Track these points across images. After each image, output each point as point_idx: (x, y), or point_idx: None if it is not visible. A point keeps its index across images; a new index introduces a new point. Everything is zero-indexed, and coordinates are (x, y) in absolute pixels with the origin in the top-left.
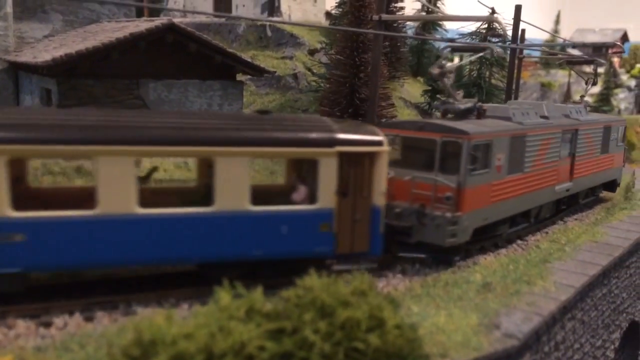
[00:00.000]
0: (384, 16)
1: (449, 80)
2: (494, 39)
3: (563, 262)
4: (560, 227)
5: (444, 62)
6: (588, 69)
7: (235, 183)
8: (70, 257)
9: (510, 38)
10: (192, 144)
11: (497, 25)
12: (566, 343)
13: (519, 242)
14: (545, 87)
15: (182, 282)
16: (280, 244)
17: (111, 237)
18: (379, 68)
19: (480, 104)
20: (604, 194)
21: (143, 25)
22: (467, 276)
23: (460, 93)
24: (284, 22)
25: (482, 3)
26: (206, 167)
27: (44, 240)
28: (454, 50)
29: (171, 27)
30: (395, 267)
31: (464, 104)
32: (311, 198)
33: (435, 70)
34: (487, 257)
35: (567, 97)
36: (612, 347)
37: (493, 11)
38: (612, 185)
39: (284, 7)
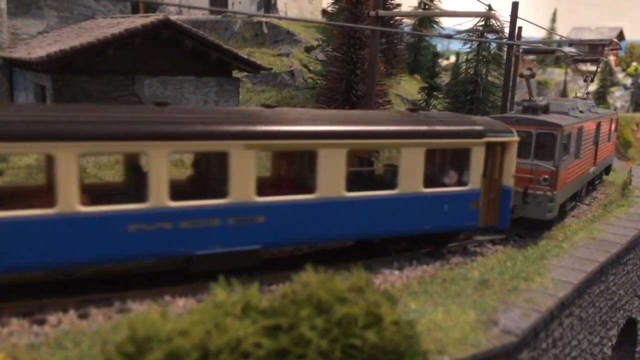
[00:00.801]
0: (381, 12)
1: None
2: (490, 35)
3: (561, 259)
4: (558, 224)
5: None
6: (584, 67)
7: (414, 170)
8: (297, 235)
9: (506, 34)
10: (381, 138)
11: (494, 21)
12: (564, 340)
13: (516, 238)
14: (541, 86)
15: (176, 279)
16: (443, 220)
17: (326, 216)
18: (376, 64)
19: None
20: (602, 193)
21: (138, 21)
22: (464, 273)
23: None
24: (280, 18)
25: (479, 0)
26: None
27: (277, 221)
28: (527, 52)
29: (166, 23)
30: (392, 264)
31: (540, 102)
32: (463, 181)
33: (526, 72)
34: (485, 253)
35: (563, 95)
36: (610, 344)
37: (490, 8)
38: (608, 169)
39: (280, 4)
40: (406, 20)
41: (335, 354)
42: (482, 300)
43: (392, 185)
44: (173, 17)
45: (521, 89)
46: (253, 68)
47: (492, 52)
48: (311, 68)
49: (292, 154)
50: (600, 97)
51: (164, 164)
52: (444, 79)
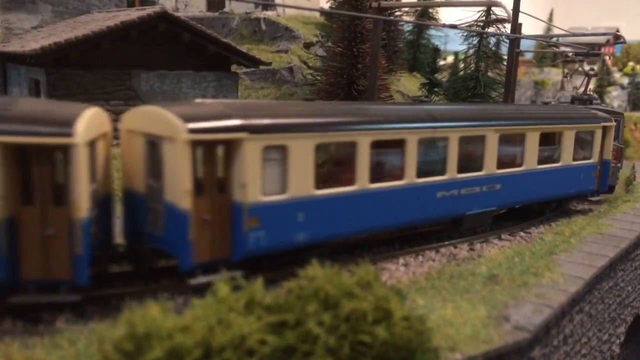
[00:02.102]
0: (383, 3)
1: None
2: (492, 29)
3: (569, 254)
4: (564, 219)
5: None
6: (577, 66)
7: (569, 148)
8: (513, 197)
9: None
10: (554, 124)
11: (500, 11)
12: (574, 337)
13: (522, 234)
14: (538, 85)
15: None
16: (580, 185)
17: (527, 184)
18: (378, 57)
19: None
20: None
21: (135, 14)
22: (472, 268)
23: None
24: (283, 6)
25: None
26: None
27: (506, 188)
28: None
29: (164, 16)
30: (398, 260)
31: (587, 95)
32: (589, 155)
33: (590, 72)
34: (492, 249)
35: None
36: (618, 341)
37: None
38: None
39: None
40: (405, 17)
41: (344, 350)
42: (491, 296)
43: (557, 159)
44: None
45: (518, 89)
46: (252, 62)
47: (492, 47)
48: (310, 64)
49: (511, 137)
50: (598, 97)
51: (455, 146)
52: (445, 75)
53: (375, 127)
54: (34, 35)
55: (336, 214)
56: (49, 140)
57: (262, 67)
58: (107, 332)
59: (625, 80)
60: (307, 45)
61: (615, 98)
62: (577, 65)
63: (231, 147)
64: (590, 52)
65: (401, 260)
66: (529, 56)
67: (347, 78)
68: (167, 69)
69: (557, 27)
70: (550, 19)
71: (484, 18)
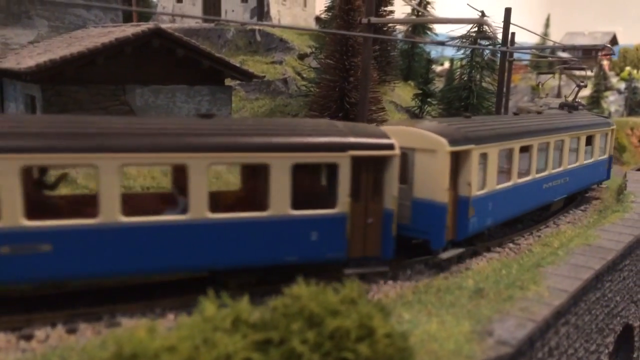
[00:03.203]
0: (373, 19)
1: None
2: (483, 42)
3: (556, 267)
4: (553, 231)
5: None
6: (577, 72)
7: (597, 147)
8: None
9: (500, 40)
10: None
11: (486, 27)
12: (560, 349)
13: (511, 245)
14: (535, 91)
15: (167, 292)
16: (600, 175)
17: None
18: (370, 71)
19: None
20: (597, 198)
21: (129, 30)
22: (459, 282)
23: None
24: (273, 26)
25: (471, 6)
26: None
27: (572, 180)
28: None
29: (158, 32)
30: (387, 274)
31: (575, 102)
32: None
33: (581, 84)
34: (480, 262)
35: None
36: (606, 351)
37: (483, 14)
38: None
39: (273, 12)
40: (400, 27)
41: None
42: (477, 310)
43: (590, 156)
44: (166, 26)
45: (515, 94)
46: (245, 76)
47: (485, 58)
48: (304, 75)
49: (575, 141)
50: (595, 102)
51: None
52: (438, 85)
53: None
54: (30, 50)
55: (507, 201)
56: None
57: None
58: (97, 352)
59: (622, 85)
60: (302, 57)
61: (612, 103)
62: (576, 73)
63: (463, 156)
64: (573, 66)
65: (389, 274)
66: (525, 59)
67: (339, 91)
68: (161, 83)
69: (545, 38)
70: (547, 24)
71: (474, 31)
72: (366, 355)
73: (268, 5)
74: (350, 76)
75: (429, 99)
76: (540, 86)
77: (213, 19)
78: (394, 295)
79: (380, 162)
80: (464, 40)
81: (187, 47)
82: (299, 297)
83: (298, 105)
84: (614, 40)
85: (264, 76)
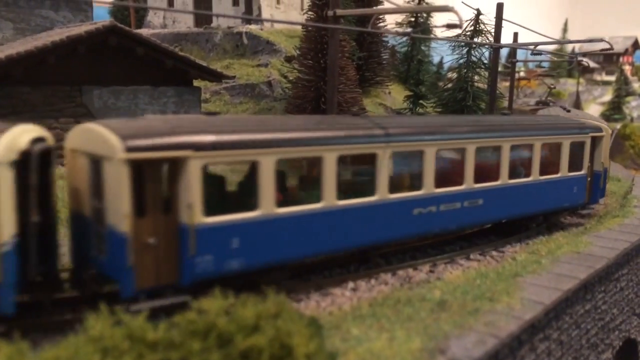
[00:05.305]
0: (339, 11)
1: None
2: (475, 38)
3: (537, 276)
4: (543, 237)
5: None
6: (599, 77)
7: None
8: None
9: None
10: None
11: (455, 16)
12: None
13: (494, 253)
14: (554, 96)
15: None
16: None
17: None
18: (336, 67)
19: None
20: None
21: (83, 28)
22: (424, 293)
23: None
24: (259, 20)
25: (466, 4)
26: None
27: None
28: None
29: (113, 30)
30: (347, 284)
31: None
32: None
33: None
34: (455, 270)
35: (576, 105)
36: None
37: (479, 12)
38: None
39: (265, 14)
40: (396, 27)
41: None
42: (435, 324)
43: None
44: (157, 31)
45: (536, 96)
46: (213, 76)
47: (481, 57)
48: (290, 78)
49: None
50: (616, 107)
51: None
52: (442, 84)
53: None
54: None
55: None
56: None
57: (241, 82)
58: None
59: None
60: (289, 59)
61: (635, 108)
62: (596, 76)
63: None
64: (543, 74)
65: (350, 284)
66: (544, 64)
67: (315, 91)
68: (122, 84)
69: (546, 37)
70: (565, 28)
71: (470, 30)
72: None
73: (259, 8)
74: (327, 75)
75: (420, 101)
76: (519, 89)
77: (208, 14)
78: (348, 308)
79: None
80: (463, 35)
81: (147, 45)
82: (206, 311)
83: (282, 108)
84: (635, 45)
85: (234, 77)
